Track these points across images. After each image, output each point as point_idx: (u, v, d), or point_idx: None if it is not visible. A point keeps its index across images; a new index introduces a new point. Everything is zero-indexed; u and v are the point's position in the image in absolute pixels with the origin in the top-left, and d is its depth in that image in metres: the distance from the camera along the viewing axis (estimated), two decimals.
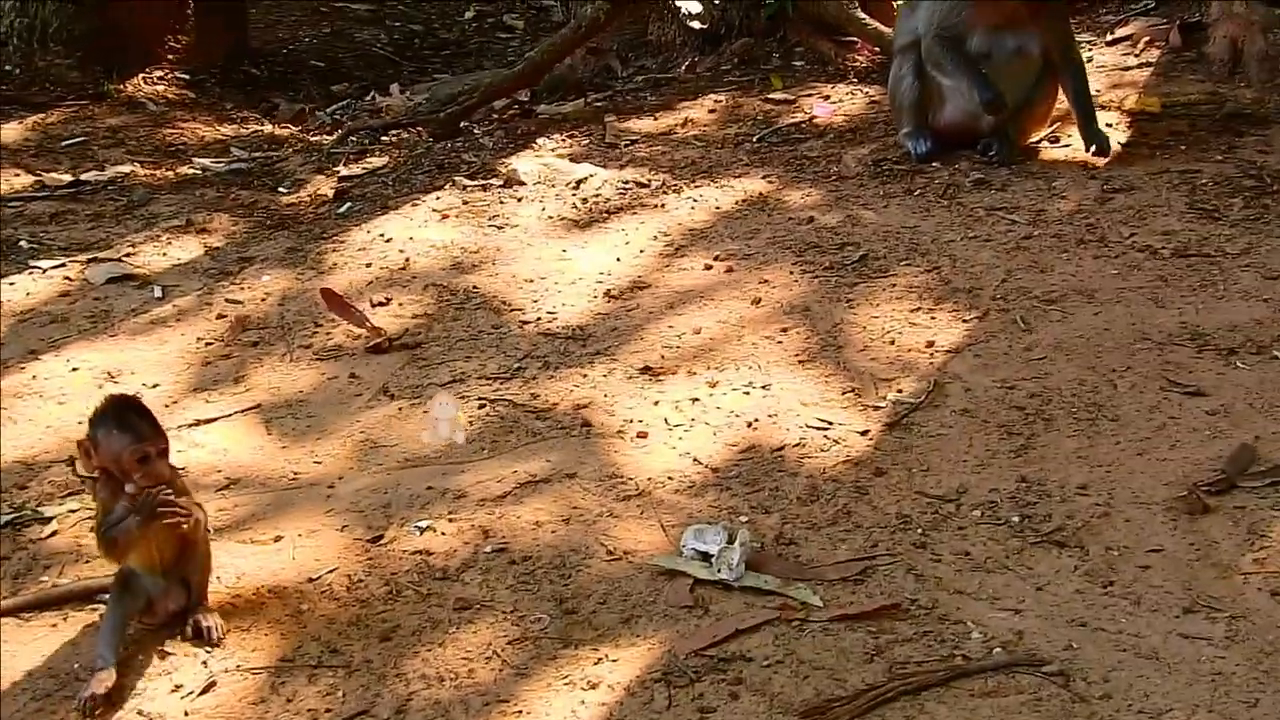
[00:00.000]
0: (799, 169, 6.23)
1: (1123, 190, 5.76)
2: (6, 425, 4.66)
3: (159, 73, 8.22)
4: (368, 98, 8.69)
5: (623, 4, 7.40)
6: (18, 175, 6.79)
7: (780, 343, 4.85)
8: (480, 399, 4.64)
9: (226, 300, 5.42)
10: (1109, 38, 7.40)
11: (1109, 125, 6.35)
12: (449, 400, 4.34)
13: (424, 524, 4.00)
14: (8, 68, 8.15)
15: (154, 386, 4.85)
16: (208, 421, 4.64)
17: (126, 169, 6.87)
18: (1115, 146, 6.17)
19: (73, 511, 4.19)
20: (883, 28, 7.57)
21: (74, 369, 4.98)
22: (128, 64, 8.14)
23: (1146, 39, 7.21)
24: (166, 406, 4.72)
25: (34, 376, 4.94)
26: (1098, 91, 6.66)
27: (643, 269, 5.45)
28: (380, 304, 5.29)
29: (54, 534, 4.09)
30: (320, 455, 4.43)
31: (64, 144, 7.24)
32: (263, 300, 5.41)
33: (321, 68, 9.26)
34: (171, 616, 3.64)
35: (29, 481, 4.35)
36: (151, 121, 7.66)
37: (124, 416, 3.52)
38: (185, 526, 3.52)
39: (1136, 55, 7.10)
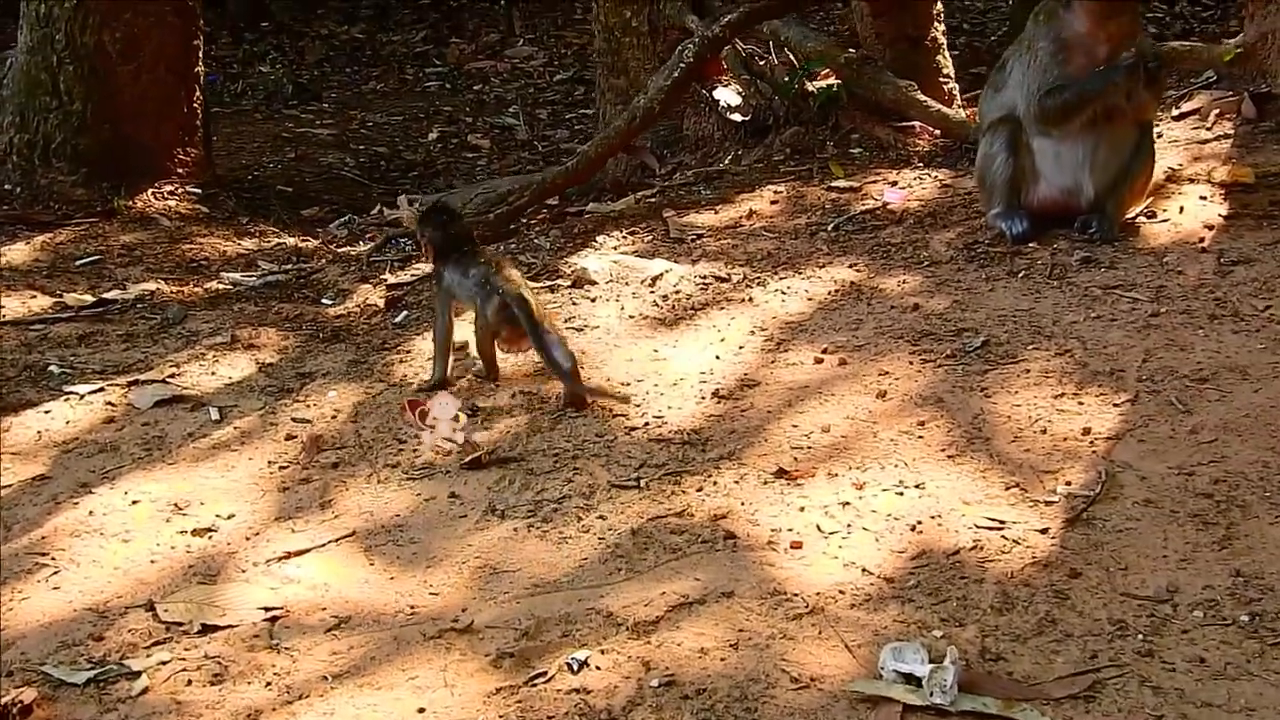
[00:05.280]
0: (885, 256, 5.83)
1: (1241, 262, 5.34)
2: (69, 569, 4.15)
3: (169, 187, 7.75)
4: (374, 211, 8.32)
5: (678, 93, 6.98)
6: (34, 297, 6.28)
7: (921, 437, 4.41)
8: (601, 514, 4.17)
9: (293, 419, 4.92)
10: (1175, 112, 7.04)
11: (1203, 198, 5.97)
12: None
13: (582, 657, 3.50)
14: (7, 186, 7.66)
15: (229, 517, 4.36)
16: (300, 553, 4.14)
17: (151, 287, 6.39)
18: (1217, 218, 5.78)
19: (164, 663, 3.67)
20: (946, 109, 7.23)
21: (134, 501, 4.48)
22: (136, 179, 7.66)
23: (1216, 112, 6.86)
24: (248, 539, 4.24)
25: (90, 512, 4.44)
26: (1180, 166, 6.31)
27: (747, 366, 5.00)
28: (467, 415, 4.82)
29: (145, 690, 3.57)
30: (435, 585, 3.92)
31: (78, 263, 6.75)
32: (333, 418, 4.93)
33: (289, 192, 8.95)
34: None
35: (105, 631, 3.84)
36: (168, 237, 7.19)
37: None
38: None
39: (1209, 129, 6.74)
